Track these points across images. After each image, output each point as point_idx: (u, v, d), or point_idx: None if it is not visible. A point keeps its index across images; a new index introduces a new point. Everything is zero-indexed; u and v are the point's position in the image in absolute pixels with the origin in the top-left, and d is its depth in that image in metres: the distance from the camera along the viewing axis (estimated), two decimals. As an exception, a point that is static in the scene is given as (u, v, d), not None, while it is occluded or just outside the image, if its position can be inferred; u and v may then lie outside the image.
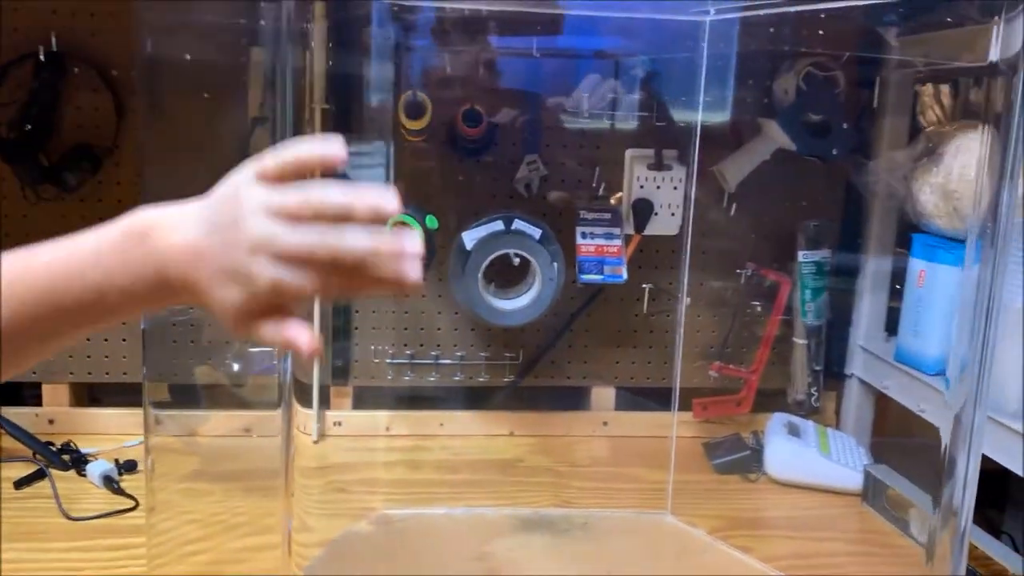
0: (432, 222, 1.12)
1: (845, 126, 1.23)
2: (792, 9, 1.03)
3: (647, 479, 1.20)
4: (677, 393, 1.21)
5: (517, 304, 1.18)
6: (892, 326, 1.32)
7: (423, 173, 1.23)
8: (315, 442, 1.28)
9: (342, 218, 0.45)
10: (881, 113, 1.27)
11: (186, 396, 1.15)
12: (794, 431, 1.24)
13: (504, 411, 1.35)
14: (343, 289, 0.47)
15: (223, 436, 1.18)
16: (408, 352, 1.31)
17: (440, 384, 1.33)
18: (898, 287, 1.31)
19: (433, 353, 1.32)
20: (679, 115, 1.25)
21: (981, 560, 0.98)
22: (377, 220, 0.45)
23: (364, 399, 1.34)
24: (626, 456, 1.29)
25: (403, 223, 1.07)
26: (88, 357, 1.27)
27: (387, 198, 0.46)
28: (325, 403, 1.32)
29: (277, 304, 0.46)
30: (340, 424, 1.32)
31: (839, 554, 1.03)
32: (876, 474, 1.13)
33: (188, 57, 1.00)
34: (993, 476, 0.95)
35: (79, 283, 0.47)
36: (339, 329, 1.32)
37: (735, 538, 1.04)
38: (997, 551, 1.00)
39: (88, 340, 1.26)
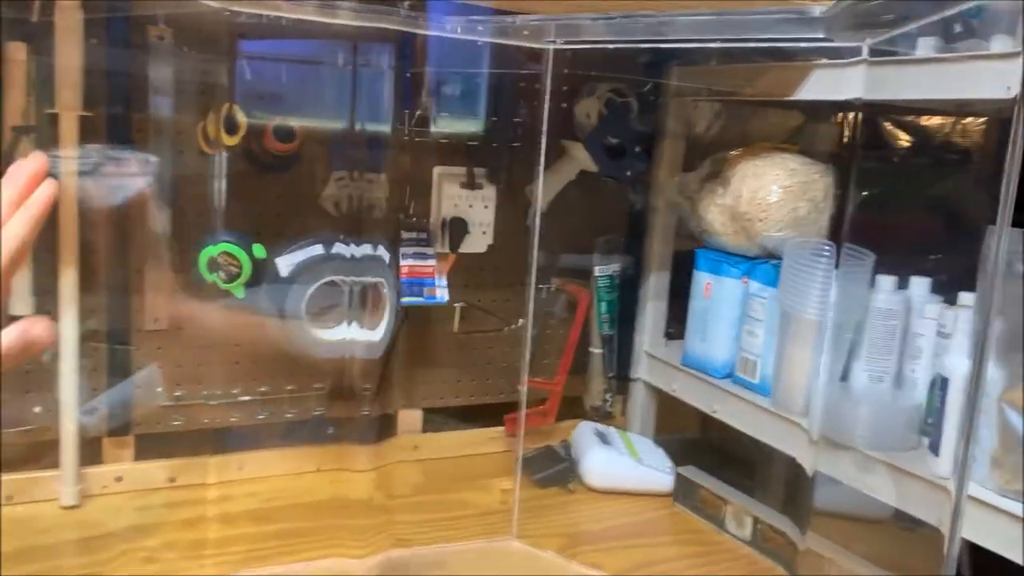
0: (260, 251, 1.00)
1: (638, 149, 1.31)
2: (627, 45, 1.06)
3: (477, 504, 1.19)
4: (524, 410, 1.20)
5: (375, 336, 1.10)
6: (669, 333, 1.44)
7: (242, 193, 1.09)
8: (70, 507, 1.09)
9: None
10: (660, 138, 1.37)
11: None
12: (604, 439, 1.30)
13: (306, 445, 1.25)
14: None
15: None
16: (204, 393, 1.16)
17: (240, 424, 1.20)
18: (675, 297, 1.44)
19: (233, 391, 1.18)
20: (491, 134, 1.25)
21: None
22: None
23: (148, 448, 1.17)
24: (446, 481, 1.26)
25: (228, 253, 0.95)
26: None
27: None
28: (96, 456, 1.13)
29: None
30: (121, 479, 1.13)
31: (678, 558, 1.10)
32: (687, 475, 1.22)
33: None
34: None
35: None
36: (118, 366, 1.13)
37: (583, 554, 1.07)
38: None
39: None
